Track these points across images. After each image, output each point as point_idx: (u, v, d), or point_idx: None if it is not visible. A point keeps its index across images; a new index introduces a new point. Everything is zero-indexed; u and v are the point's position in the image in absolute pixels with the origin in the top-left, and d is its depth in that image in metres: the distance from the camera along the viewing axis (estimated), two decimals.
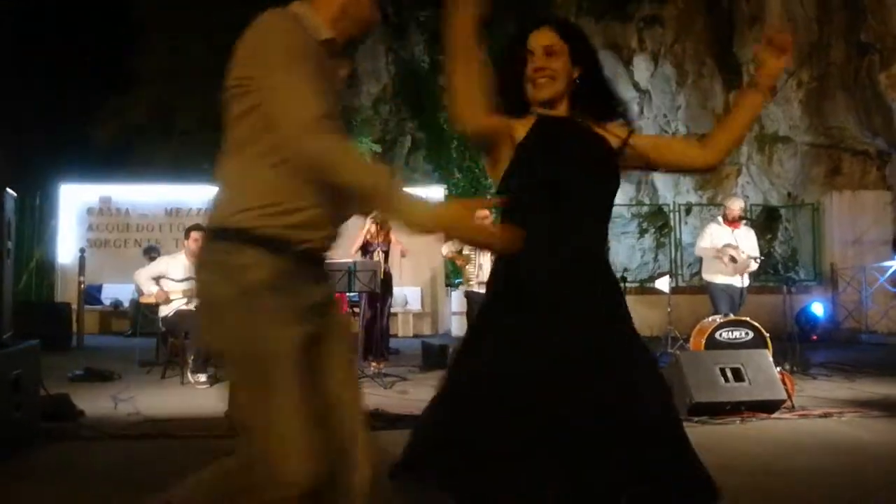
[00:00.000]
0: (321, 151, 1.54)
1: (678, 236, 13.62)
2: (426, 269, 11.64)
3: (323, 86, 1.60)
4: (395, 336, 9.82)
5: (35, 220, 12.80)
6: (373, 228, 6.68)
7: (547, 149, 1.90)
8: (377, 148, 14.63)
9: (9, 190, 3.74)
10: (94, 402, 4.89)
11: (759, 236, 7.91)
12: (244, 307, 1.56)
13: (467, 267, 6.98)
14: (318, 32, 1.67)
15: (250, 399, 1.58)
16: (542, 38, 1.95)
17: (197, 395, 5.47)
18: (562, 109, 1.98)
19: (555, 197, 1.87)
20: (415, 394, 5.35)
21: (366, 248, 6.66)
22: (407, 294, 11.63)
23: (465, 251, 6.86)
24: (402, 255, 7.06)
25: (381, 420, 4.27)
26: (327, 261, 1.81)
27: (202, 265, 1.66)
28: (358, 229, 6.79)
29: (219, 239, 1.62)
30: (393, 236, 6.74)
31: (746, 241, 7.06)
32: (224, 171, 1.66)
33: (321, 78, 1.61)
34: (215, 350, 1.72)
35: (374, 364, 6.43)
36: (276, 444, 1.52)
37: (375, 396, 5.19)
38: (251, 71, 1.59)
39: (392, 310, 7.64)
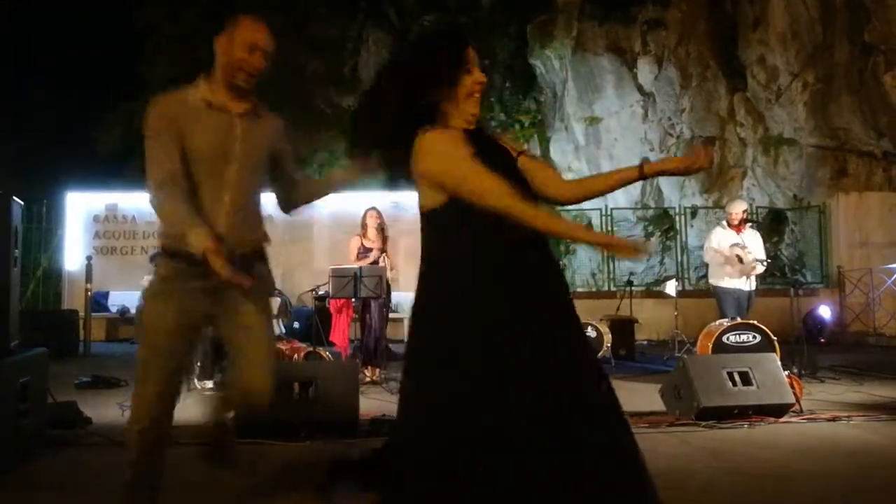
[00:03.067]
0: (155, 206, 2.41)
1: (684, 239, 13.59)
2: None
3: (202, 137, 2.39)
4: (402, 341, 9.82)
5: (41, 228, 12.84)
6: (371, 234, 6.68)
7: (495, 161, 1.93)
8: None
9: (15, 198, 3.75)
10: (102, 410, 4.90)
11: (766, 239, 7.88)
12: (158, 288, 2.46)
13: None
14: (197, 98, 2.43)
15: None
16: (475, 55, 1.99)
17: (204, 402, 5.46)
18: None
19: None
20: None
21: (368, 253, 6.62)
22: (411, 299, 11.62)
23: None
24: (391, 268, 6.76)
25: (386, 426, 4.27)
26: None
27: None
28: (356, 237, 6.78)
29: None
30: (388, 247, 6.68)
31: (752, 244, 7.03)
32: None
33: (205, 131, 2.40)
34: None
35: (367, 371, 6.30)
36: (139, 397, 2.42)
37: (380, 402, 5.19)
38: None
39: (395, 315, 7.55)
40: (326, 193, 2.80)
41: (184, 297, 2.40)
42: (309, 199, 2.80)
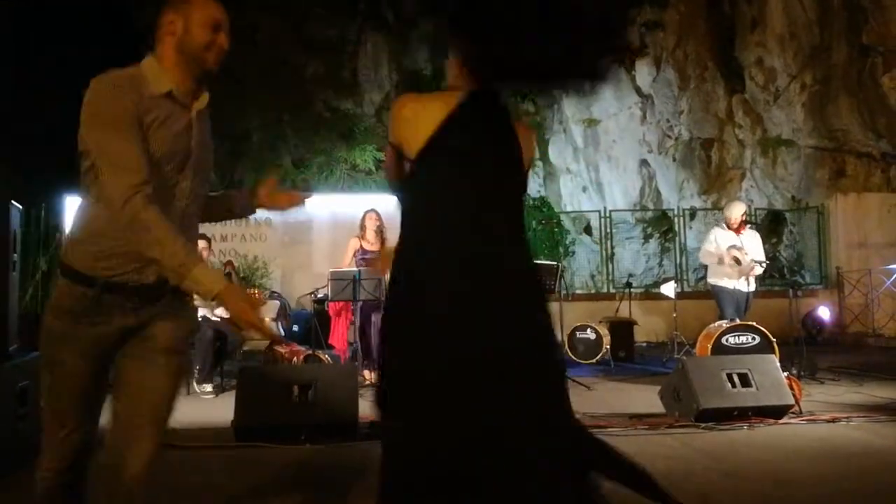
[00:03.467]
0: (131, 222, 1.83)
1: (683, 241, 13.60)
2: None
3: (162, 136, 1.92)
4: None
5: (40, 231, 12.84)
6: (370, 236, 6.69)
7: None
8: (381, 156, 14.66)
9: (14, 202, 3.75)
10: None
11: (764, 240, 7.88)
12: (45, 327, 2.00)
13: None
14: (158, 86, 1.94)
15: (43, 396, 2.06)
16: None
17: (203, 406, 5.47)
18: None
19: None
20: None
21: (366, 256, 6.63)
22: None
23: None
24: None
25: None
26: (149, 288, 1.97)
27: None
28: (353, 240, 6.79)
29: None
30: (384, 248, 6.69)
31: (751, 245, 7.03)
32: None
33: (164, 128, 1.92)
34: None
35: (366, 374, 6.30)
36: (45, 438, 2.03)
37: None
38: (83, 134, 1.92)
39: None
40: (222, 215, 2.33)
41: (98, 340, 1.96)
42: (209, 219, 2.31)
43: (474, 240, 1.85)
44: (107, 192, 1.87)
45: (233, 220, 12.61)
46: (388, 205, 8.22)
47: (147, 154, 1.88)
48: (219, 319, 6.38)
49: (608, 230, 13.68)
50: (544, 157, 15.97)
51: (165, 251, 1.81)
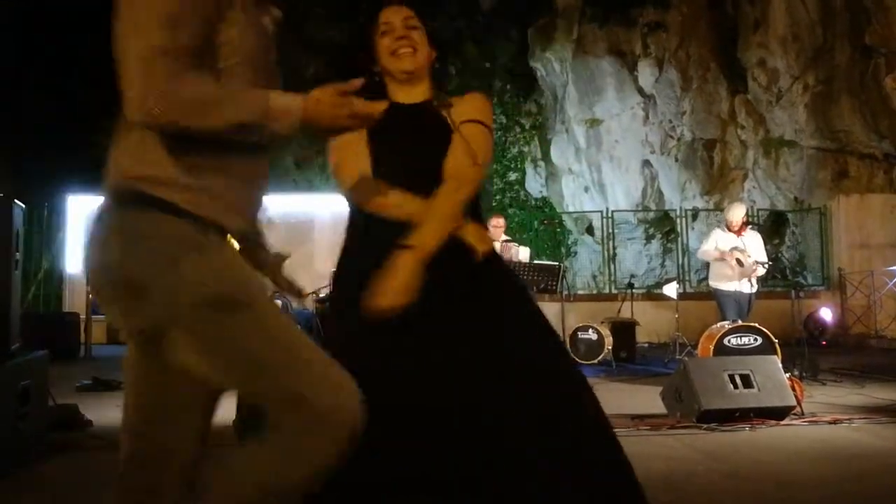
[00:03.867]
0: (151, 93, 1.26)
1: (685, 242, 13.59)
2: None
3: (249, 33, 1.39)
4: None
5: (43, 230, 12.86)
6: None
7: (402, 138, 1.91)
8: None
9: (16, 201, 3.75)
10: (102, 412, 4.89)
11: (766, 241, 7.87)
12: (197, 251, 1.34)
13: None
14: None
15: (254, 346, 1.34)
16: (399, 12, 1.97)
17: None
18: (421, 89, 1.97)
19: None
20: None
21: None
22: None
23: None
24: None
25: None
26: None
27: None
28: None
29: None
30: None
31: (753, 246, 7.02)
32: None
33: (249, 25, 1.38)
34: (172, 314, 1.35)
35: None
36: (314, 378, 1.32)
37: None
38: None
39: None
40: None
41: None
42: None
43: None
44: (122, 70, 1.30)
45: None
46: None
47: (207, 30, 1.31)
48: None
49: (610, 230, 13.67)
50: (546, 158, 15.97)
51: (238, 100, 1.29)
